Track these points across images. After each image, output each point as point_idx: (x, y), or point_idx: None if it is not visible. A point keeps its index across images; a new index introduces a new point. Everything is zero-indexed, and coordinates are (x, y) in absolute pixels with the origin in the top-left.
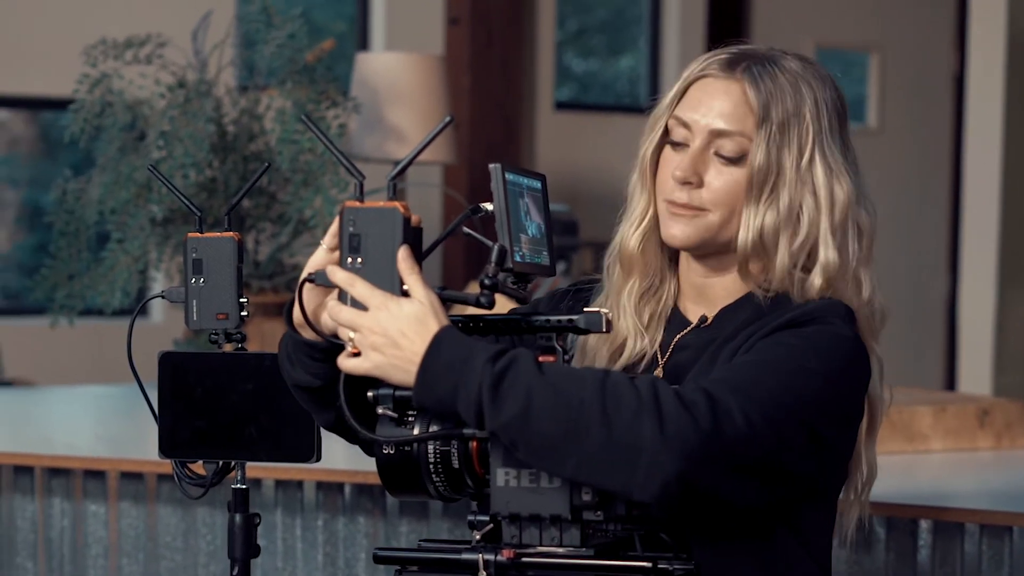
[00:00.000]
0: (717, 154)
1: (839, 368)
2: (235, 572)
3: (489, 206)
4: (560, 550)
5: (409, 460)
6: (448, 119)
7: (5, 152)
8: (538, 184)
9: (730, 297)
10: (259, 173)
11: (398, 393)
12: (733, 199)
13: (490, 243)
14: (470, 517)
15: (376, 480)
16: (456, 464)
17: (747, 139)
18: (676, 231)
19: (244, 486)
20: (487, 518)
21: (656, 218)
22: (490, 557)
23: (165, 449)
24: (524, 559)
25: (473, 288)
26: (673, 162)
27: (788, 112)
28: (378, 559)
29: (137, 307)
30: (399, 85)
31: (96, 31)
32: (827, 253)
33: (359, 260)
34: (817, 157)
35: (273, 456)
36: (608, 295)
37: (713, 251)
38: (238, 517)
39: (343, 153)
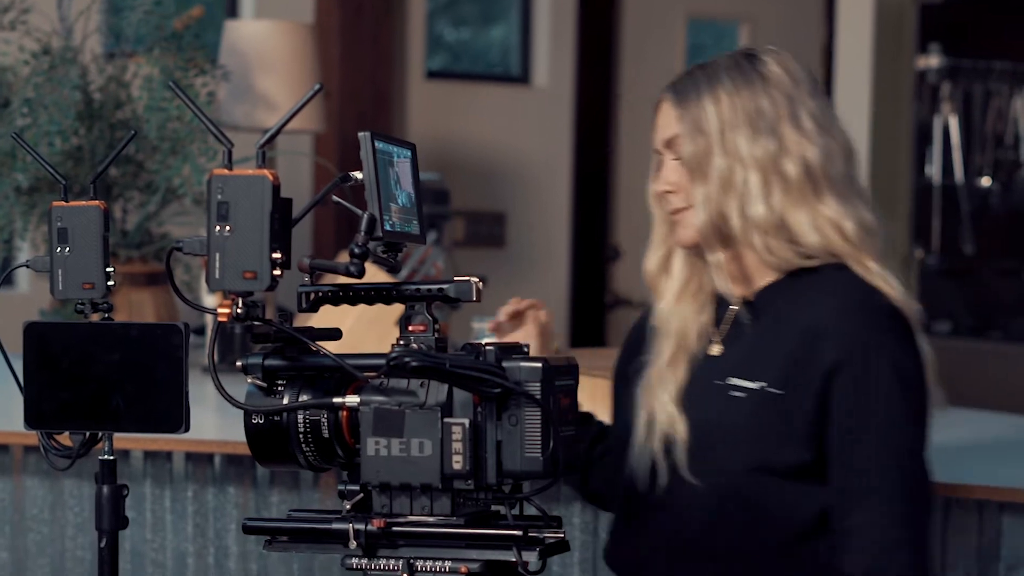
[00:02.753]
0: (677, 160)
1: (919, 408)
2: (103, 544)
3: (359, 175)
4: (431, 519)
5: (278, 430)
6: (317, 87)
7: None
8: (408, 153)
9: (762, 274)
10: (125, 141)
11: (267, 363)
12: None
13: (360, 212)
14: (340, 487)
15: (246, 450)
16: (326, 434)
17: (687, 135)
18: (679, 235)
19: (111, 457)
20: (357, 488)
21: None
22: (360, 527)
23: (31, 420)
24: (394, 528)
25: (343, 257)
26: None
27: (701, 96)
28: (248, 529)
29: (1, 277)
30: (268, 53)
31: None
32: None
33: (227, 228)
34: (743, 127)
35: (141, 427)
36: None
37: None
38: (105, 489)
39: (212, 121)
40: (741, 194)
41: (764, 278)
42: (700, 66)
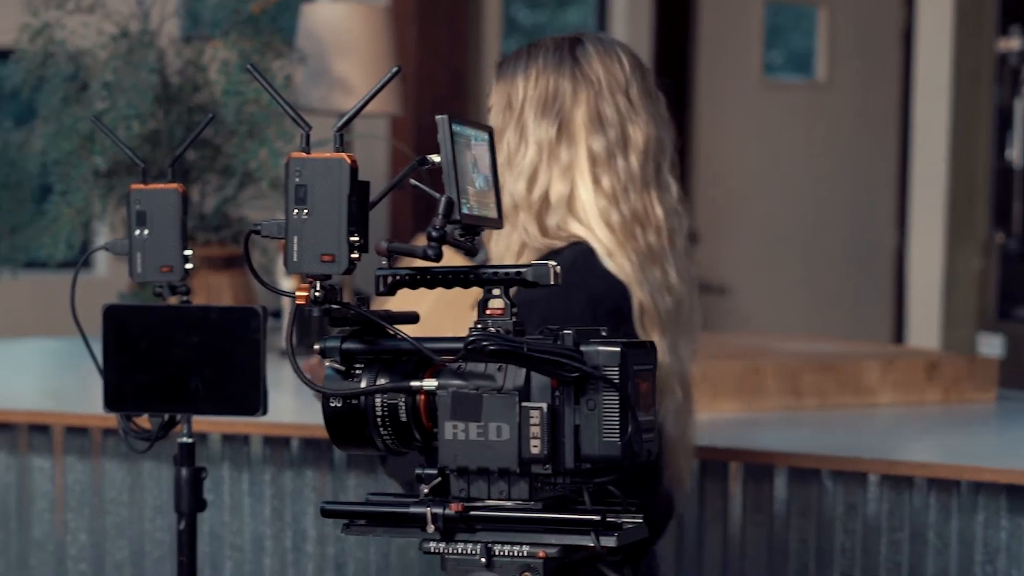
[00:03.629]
0: None
1: None
2: (181, 526)
3: (436, 158)
4: (508, 503)
5: (356, 413)
6: (395, 69)
7: None
8: (485, 136)
9: (529, 254)
10: (203, 124)
11: (345, 346)
12: None
13: (437, 195)
14: (418, 471)
15: (323, 434)
16: (404, 417)
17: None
18: None
19: (190, 440)
20: (435, 472)
21: None
22: (438, 511)
23: (110, 403)
24: (472, 512)
25: (420, 241)
26: None
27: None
28: (326, 513)
29: (80, 259)
30: (345, 36)
31: None
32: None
33: (305, 211)
34: (536, 107)
35: (219, 409)
36: None
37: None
38: (184, 471)
39: (289, 104)
40: (516, 171)
41: (527, 258)
42: (531, 44)
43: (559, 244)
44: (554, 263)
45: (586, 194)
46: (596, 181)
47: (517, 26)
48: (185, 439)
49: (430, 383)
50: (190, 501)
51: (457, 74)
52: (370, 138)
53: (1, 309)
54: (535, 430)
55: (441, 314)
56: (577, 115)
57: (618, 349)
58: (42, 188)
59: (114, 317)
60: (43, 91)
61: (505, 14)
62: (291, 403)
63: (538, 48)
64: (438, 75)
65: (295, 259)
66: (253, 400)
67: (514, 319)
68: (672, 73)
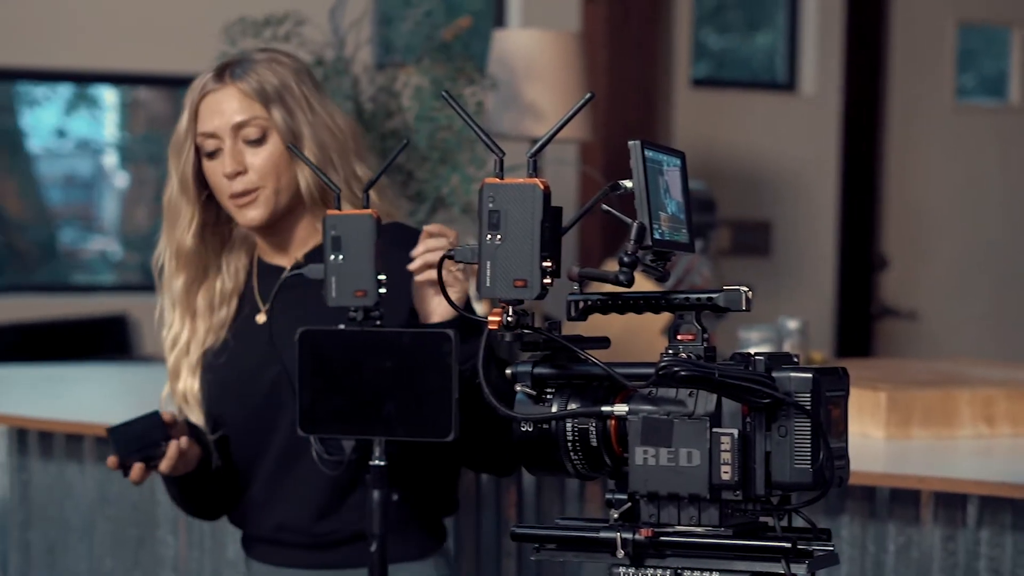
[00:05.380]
0: (245, 142)
1: None
2: (373, 548)
3: (628, 183)
4: (699, 529)
5: (547, 438)
6: (589, 96)
7: (145, 130)
8: (677, 161)
9: (310, 239)
10: (398, 150)
11: (536, 371)
12: (276, 169)
13: (629, 221)
14: (607, 495)
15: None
16: (594, 442)
17: (264, 120)
18: (252, 215)
19: (383, 463)
20: (625, 496)
21: (202, 221)
22: (628, 536)
23: (305, 425)
24: (662, 538)
25: (610, 266)
26: (216, 168)
27: (278, 88)
28: (516, 536)
29: (277, 284)
30: (536, 62)
31: (235, 10)
32: (363, 170)
33: (499, 237)
34: (318, 108)
35: (411, 432)
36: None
37: (282, 214)
38: (376, 494)
39: (483, 129)
40: (341, 163)
41: (310, 240)
42: (246, 60)
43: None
44: (746, 288)
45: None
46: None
47: (707, 51)
48: (377, 462)
49: (621, 408)
50: (381, 524)
51: (647, 99)
52: (560, 163)
53: None
54: (726, 456)
55: (629, 339)
56: (317, 109)
57: (810, 375)
58: None
59: (309, 341)
60: None
61: (695, 38)
62: None
63: (264, 60)
64: (628, 100)
65: (488, 284)
66: (444, 424)
67: (705, 345)
68: (864, 97)
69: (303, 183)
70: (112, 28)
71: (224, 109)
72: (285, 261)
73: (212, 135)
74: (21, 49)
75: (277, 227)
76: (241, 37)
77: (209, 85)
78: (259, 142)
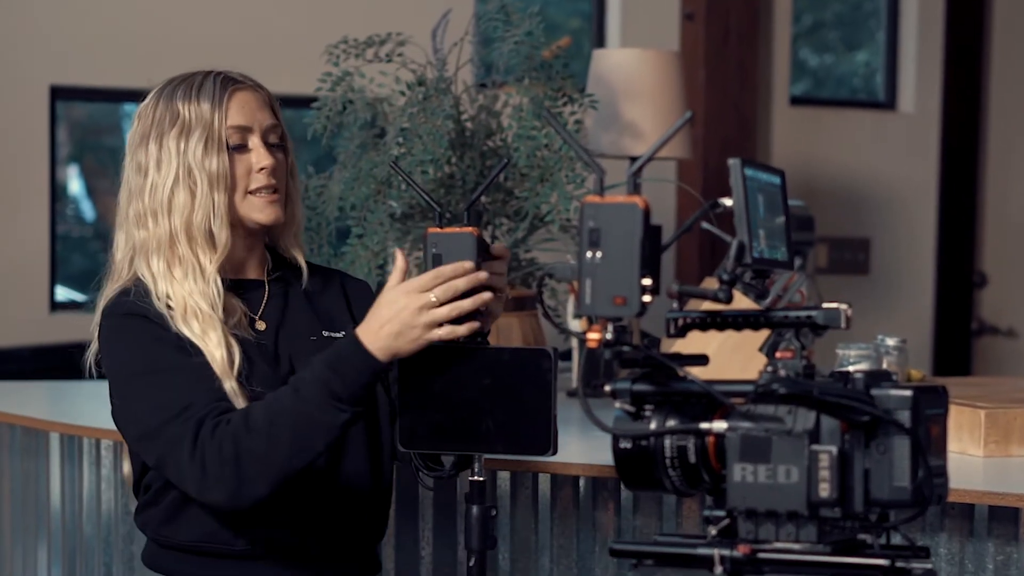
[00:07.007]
0: (270, 145)
1: None
2: (471, 563)
3: (728, 201)
4: (796, 546)
5: (646, 454)
6: (688, 115)
7: None
8: (777, 179)
9: (264, 262)
10: (498, 169)
11: (635, 388)
12: (286, 178)
13: (728, 238)
14: (705, 512)
15: (611, 473)
16: (693, 459)
17: (282, 129)
18: (275, 211)
19: (481, 478)
20: (723, 513)
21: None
22: (726, 552)
23: (404, 441)
24: (760, 555)
25: (709, 284)
26: (244, 161)
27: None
28: (614, 553)
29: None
30: (635, 81)
31: (338, 30)
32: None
33: (599, 255)
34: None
35: (510, 449)
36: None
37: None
38: (475, 509)
39: (584, 148)
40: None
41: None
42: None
43: None
44: (845, 306)
45: None
46: None
47: (806, 69)
48: (477, 477)
49: (719, 425)
50: (480, 538)
51: (745, 117)
52: (658, 181)
53: None
54: (824, 473)
55: (727, 356)
56: None
57: (910, 393)
58: (339, 231)
59: (409, 358)
60: (341, 137)
61: (793, 57)
62: (578, 443)
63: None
64: (727, 118)
65: (588, 301)
66: (543, 440)
67: (804, 362)
68: (961, 115)
69: None
70: (216, 49)
71: (256, 107)
72: (255, 275)
73: (245, 128)
74: (127, 70)
75: (258, 238)
76: (344, 57)
77: (232, 82)
78: (280, 147)
